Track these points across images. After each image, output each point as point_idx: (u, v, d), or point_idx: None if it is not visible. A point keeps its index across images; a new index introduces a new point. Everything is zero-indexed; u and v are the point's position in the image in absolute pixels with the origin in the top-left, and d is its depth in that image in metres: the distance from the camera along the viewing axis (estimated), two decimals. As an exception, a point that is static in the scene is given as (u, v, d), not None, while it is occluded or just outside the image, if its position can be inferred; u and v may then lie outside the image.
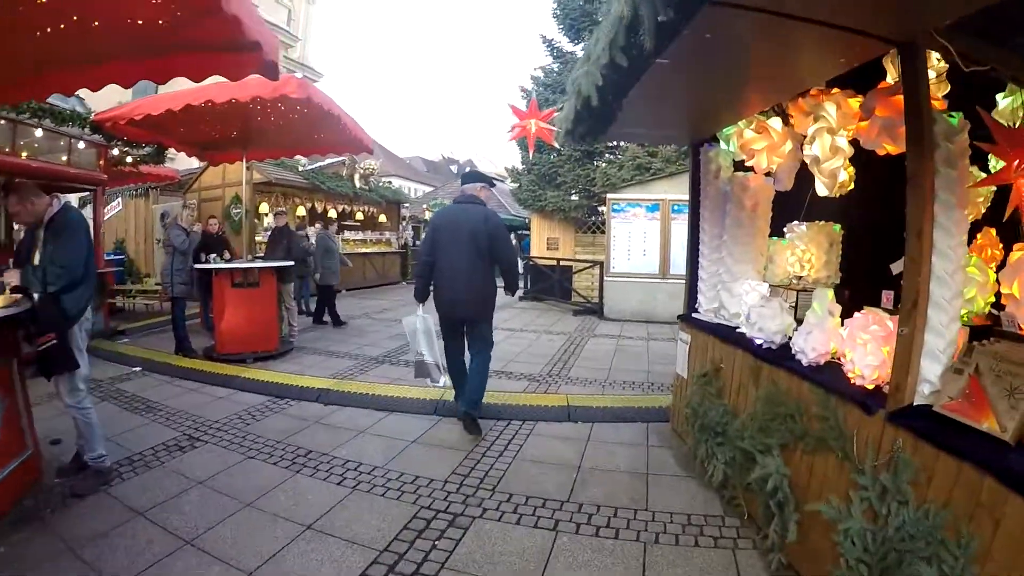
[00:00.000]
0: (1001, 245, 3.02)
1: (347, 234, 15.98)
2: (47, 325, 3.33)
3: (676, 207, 10.70)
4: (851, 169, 3.30)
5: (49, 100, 6.89)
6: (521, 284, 11.88)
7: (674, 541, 3.08)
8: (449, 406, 5.22)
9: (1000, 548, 1.70)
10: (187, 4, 2.95)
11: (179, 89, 5.86)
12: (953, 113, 2.36)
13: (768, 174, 3.87)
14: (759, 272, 4.01)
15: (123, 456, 4.05)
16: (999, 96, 2.83)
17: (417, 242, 20.29)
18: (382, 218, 18.55)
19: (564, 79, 12.96)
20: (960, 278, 2.24)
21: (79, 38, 3.43)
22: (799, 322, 3.17)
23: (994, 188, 3.04)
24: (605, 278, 11.49)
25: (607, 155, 14.50)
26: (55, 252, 3.42)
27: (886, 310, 2.76)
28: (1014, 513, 1.67)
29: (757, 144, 3.61)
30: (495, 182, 6.18)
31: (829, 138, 3.04)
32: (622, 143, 13.54)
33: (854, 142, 2.99)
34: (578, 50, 14.28)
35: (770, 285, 3.71)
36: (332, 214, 15.21)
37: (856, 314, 2.69)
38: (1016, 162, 2.25)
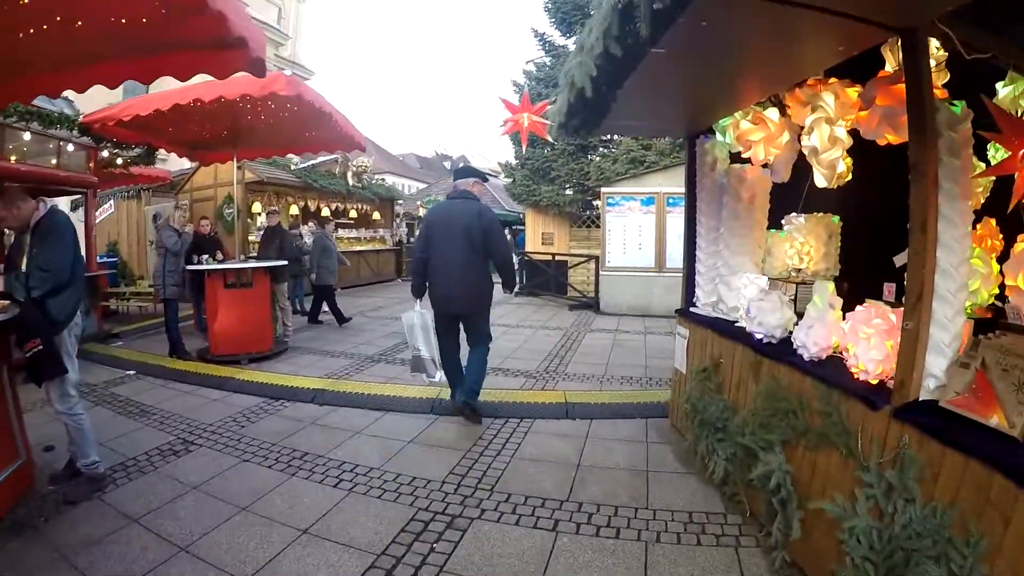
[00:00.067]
0: (1001, 235, 2.99)
1: (341, 232, 15.87)
2: (33, 330, 3.27)
3: (671, 200, 10.66)
4: (849, 160, 3.26)
5: (36, 103, 6.80)
6: (516, 280, 11.84)
7: (676, 540, 3.04)
8: (446, 405, 5.18)
9: (1011, 547, 1.66)
10: (172, 2, 2.89)
11: (168, 89, 5.81)
12: (955, 102, 2.31)
13: (765, 165, 3.82)
14: (757, 265, 3.97)
15: (117, 461, 4.00)
16: (999, 85, 2.78)
17: (411, 239, 20.23)
18: (376, 215, 18.46)
19: (556, 73, 12.92)
20: (965, 270, 2.19)
21: (63, 39, 3.38)
22: (799, 315, 3.13)
23: (994, 178, 3.00)
24: (601, 272, 11.45)
25: (601, 149, 14.47)
26: (39, 256, 3.36)
27: (888, 303, 2.72)
28: (1025, 511, 1.63)
29: (754, 135, 3.57)
30: (488, 177, 6.13)
31: (828, 128, 2.99)
32: (616, 137, 13.51)
33: (852, 132, 2.95)
34: (570, 44, 14.23)
35: (769, 278, 3.67)
36: (325, 212, 15.12)
37: (858, 307, 2.65)
38: (1022, 152, 2.21)
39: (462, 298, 4.83)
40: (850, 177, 3.34)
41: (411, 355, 5.08)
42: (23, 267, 3.40)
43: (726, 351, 3.70)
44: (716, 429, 3.49)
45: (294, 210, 14.35)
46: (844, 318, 2.77)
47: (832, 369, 2.68)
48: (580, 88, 2.68)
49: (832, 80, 3.03)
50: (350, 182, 16.15)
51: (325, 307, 9.90)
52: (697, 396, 3.84)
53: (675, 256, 10.39)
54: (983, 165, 2.99)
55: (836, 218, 3.67)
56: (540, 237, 15.01)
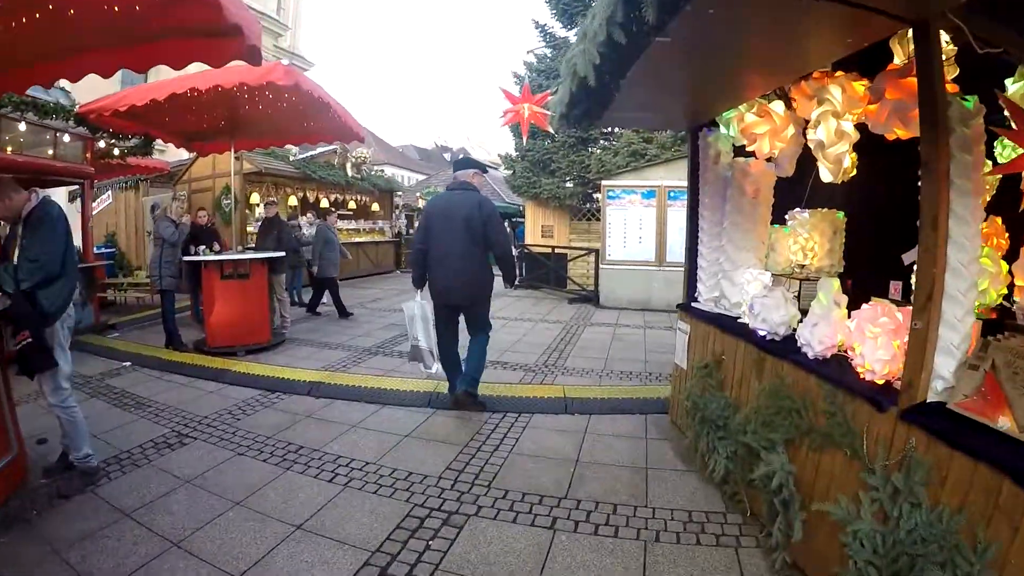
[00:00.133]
0: (1008, 234, 2.93)
1: (340, 223, 15.77)
2: (22, 323, 3.22)
3: (672, 194, 10.60)
4: (854, 155, 3.20)
5: (32, 93, 6.74)
6: (517, 273, 11.78)
7: (675, 539, 3.00)
8: (443, 399, 5.15)
9: (1019, 555, 1.62)
10: (164, -12, 2.83)
11: (165, 78, 5.74)
12: (967, 96, 2.25)
13: (769, 159, 3.76)
14: (761, 260, 3.91)
15: (110, 455, 3.96)
16: (1008, 81, 2.72)
17: (411, 231, 20.17)
18: (375, 207, 18.37)
19: (557, 65, 12.82)
20: (975, 269, 2.14)
21: (55, 28, 3.33)
22: (803, 312, 3.08)
23: (999, 175, 2.94)
24: (601, 266, 11.39)
25: (602, 141, 14.36)
26: (30, 247, 3.31)
27: (894, 301, 2.67)
28: (1036, 518, 1.58)
29: (759, 128, 3.50)
30: (488, 169, 6.09)
31: (834, 122, 2.92)
32: (617, 129, 13.43)
33: (858, 127, 2.89)
34: (571, 36, 14.10)
35: (772, 274, 3.61)
36: (324, 203, 15.05)
37: (864, 305, 2.60)
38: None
39: (461, 289, 4.83)
40: (855, 172, 3.28)
41: (410, 344, 5.11)
42: (14, 259, 3.35)
43: (728, 347, 3.65)
44: (717, 427, 3.44)
45: (293, 201, 14.28)
46: (849, 316, 2.72)
47: (837, 368, 2.63)
48: (583, 77, 2.61)
49: (839, 73, 2.96)
50: (349, 173, 16.05)
51: (325, 298, 9.84)
52: (698, 393, 3.79)
53: (675, 250, 10.37)
54: (990, 163, 2.93)
55: (841, 214, 3.61)
56: (540, 230, 14.93)
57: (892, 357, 2.36)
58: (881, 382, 2.38)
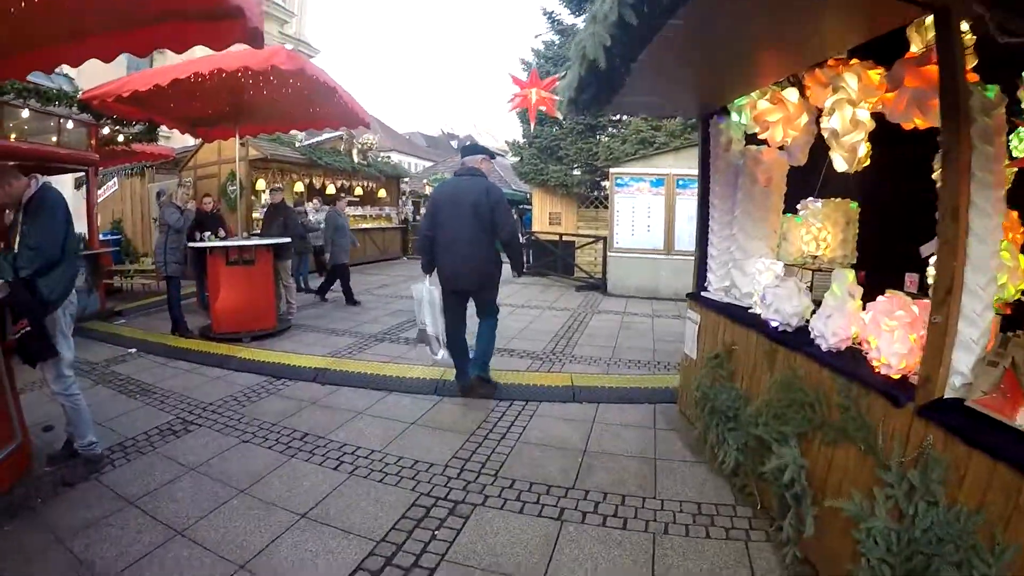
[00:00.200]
0: (1023, 228, 2.85)
1: (347, 209, 15.74)
2: (21, 311, 3.19)
3: (681, 182, 10.49)
4: (868, 144, 3.12)
5: (34, 80, 6.69)
6: (524, 260, 11.72)
7: (684, 532, 2.96)
8: (450, 386, 5.12)
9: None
10: (164, -30, 2.78)
11: (169, 64, 5.70)
12: (988, 86, 2.17)
13: (781, 148, 3.69)
14: (772, 250, 3.85)
15: (115, 442, 3.95)
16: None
17: (417, 217, 20.11)
18: (381, 193, 18.27)
19: (565, 52, 12.69)
20: (995, 263, 2.07)
21: (55, 11, 3.28)
22: (815, 303, 3.02)
23: (1016, 168, 2.86)
24: (608, 254, 11.31)
25: (610, 129, 14.26)
26: (29, 233, 3.27)
27: (909, 294, 2.61)
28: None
29: (772, 116, 3.43)
30: (496, 155, 6.04)
31: (850, 110, 2.85)
32: (625, 117, 13.30)
33: (873, 116, 2.81)
34: (579, 22, 13.95)
35: (784, 264, 3.55)
36: (331, 190, 14.98)
37: (879, 298, 2.53)
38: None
39: (469, 275, 4.83)
40: (868, 163, 3.20)
41: (418, 328, 5.14)
42: (15, 246, 3.31)
43: (739, 338, 3.59)
44: (727, 418, 3.39)
45: (299, 187, 14.21)
46: (863, 308, 2.65)
47: (851, 361, 2.57)
48: (592, 60, 2.54)
49: (854, 61, 2.88)
50: (355, 160, 15.96)
51: (335, 285, 9.78)
52: (708, 383, 3.74)
53: (684, 238, 10.29)
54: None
55: (854, 204, 3.54)
56: (547, 217, 14.86)
57: (909, 351, 2.29)
58: (897, 377, 2.32)
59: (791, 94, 3.40)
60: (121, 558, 2.68)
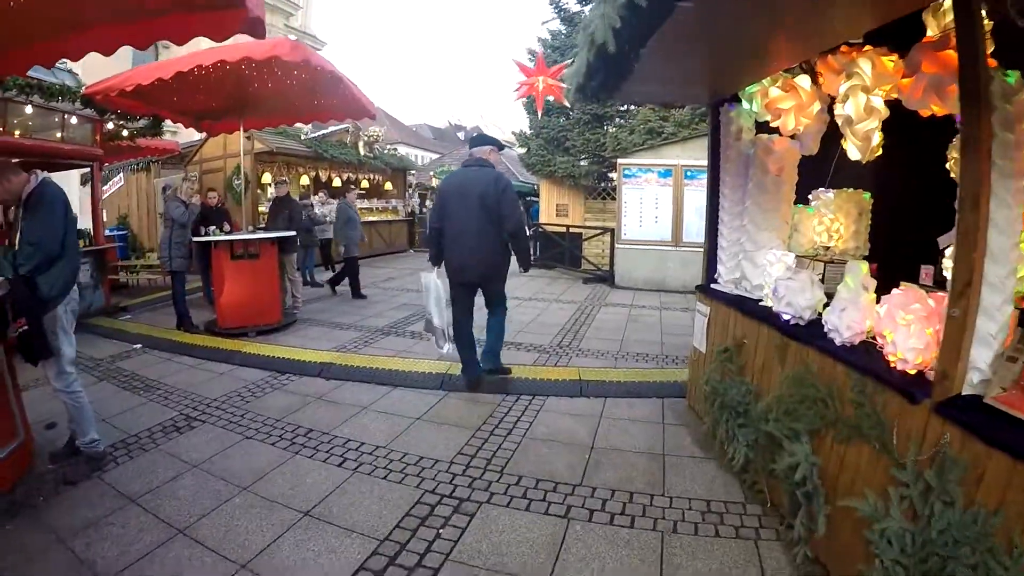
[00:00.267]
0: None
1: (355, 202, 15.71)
2: (20, 309, 3.15)
3: (689, 173, 10.38)
4: (881, 133, 3.03)
5: (37, 75, 6.66)
6: (531, 254, 11.67)
7: (693, 530, 2.90)
8: (456, 380, 5.07)
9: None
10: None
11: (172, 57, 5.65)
12: (1009, 71, 2.08)
13: (792, 136, 3.60)
14: (784, 241, 3.76)
15: (118, 439, 3.92)
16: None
17: (424, 210, 20.05)
18: (388, 186, 18.20)
19: (572, 41, 12.57)
20: (1016, 255, 1.97)
21: (54, 4, 3.21)
22: (828, 296, 2.94)
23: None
24: (616, 245, 11.21)
25: (617, 119, 14.17)
26: (29, 229, 3.23)
27: (924, 286, 2.52)
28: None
29: (784, 103, 3.34)
30: (504, 146, 5.99)
31: (864, 97, 2.77)
32: (632, 107, 13.19)
33: (887, 104, 2.73)
34: (586, 11, 13.82)
35: (795, 255, 3.47)
36: (337, 182, 14.93)
37: (894, 291, 2.45)
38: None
39: (477, 267, 4.80)
40: (880, 152, 3.11)
41: (425, 318, 5.15)
42: (16, 243, 3.28)
43: (750, 331, 3.51)
44: (737, 414, 3.32)
45: (305, 180, 14.17)
46: (877, 301, 2.57)
47: (865, 356, 2.49)
48: (601, 43, 2.46)
49: (867, 47, 2.79)
50: (361, 152, 15.88)
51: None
52: (718, 378, 3.67)
53: (692, 230, 10.22)
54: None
55: (867, 194, 3.45)
56: (555, 209, 14.79)
57: (925, 346, 2.21)
58: (913, 372, 2.24)
59: (804, 81, 3.32)
60: (122, 557, 2.64)
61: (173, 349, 6.30)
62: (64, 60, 5.33)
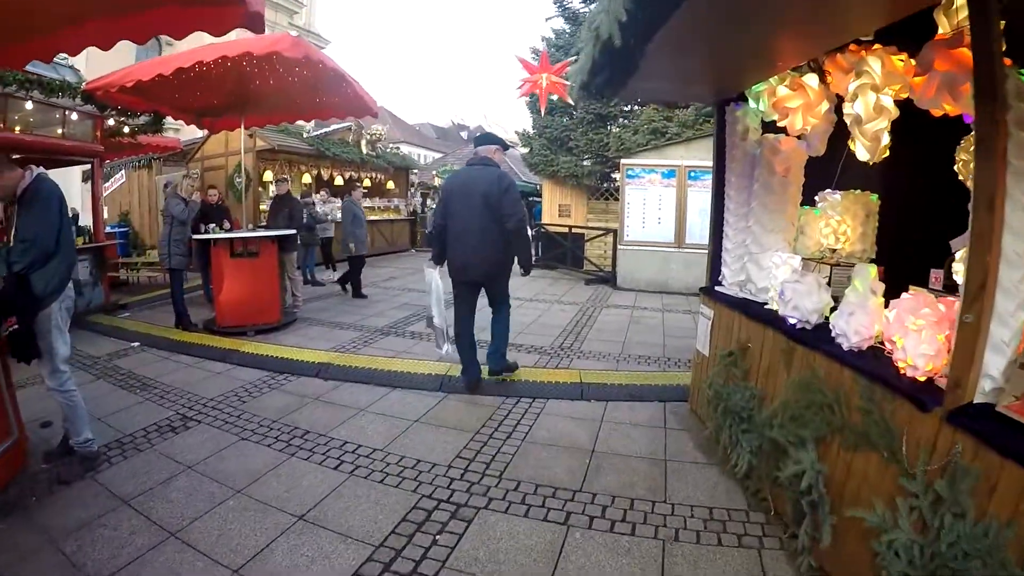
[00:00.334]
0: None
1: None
2: (11, 309, 3.10)
3: (693, 174, 10.31)
4: (889, 133, 2.97)
5: (37, 71, 6.61)
6: (532, 255, 11.61)
7: (695, 539, 2.84)
8: (455, 382, 5.02)
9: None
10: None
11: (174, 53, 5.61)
12: (1023, 70, 2.02)
13: (799, 137, 3.54)
14: (790, 243, 3.70)
15: (112, 438, 3.88)
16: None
17: (426, 209, 20.00)
18: (390, 185, 18.14)
19: (575, 40, 12.51)
20: (1030, 260, 1.92)
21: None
22: (834, 300, 2.88)
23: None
24: (619, 246, 11.15)
25: (621, 119, 14.09)
26: (23, 226, 3.18)
27: (934, 291, 2.46)
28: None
29: (791, 102, 3.28)
30: (509, 146, 5.95)
31: (873, 96, 2.71)
32: (636, 107, 13.12)
33: (898, 103, 2.67)
34: (590, 8, 13.76)
35: (802, 258, 3.40)
36: (339, 181, 14.89)
37: (903, 295, 2.38)
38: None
39: (479, 266, 4.79)
40: (887, 153, 3.05)
41: (427, 315, 5.17)
42: (10, 241, 3.23)
43: (755, 335, 3.45)
44: (741, 419, 3.26)
45: (307, 179, 14.13)
46: (887, 306, 2.51)
47: (873, 361, 2.43)
48: (607, 38, 2.40)
49: (877, 46, 2.73)
50: (364, 151, 15.83)
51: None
52: (721, 382, 3.61)
53: (695, 231, 10.15)
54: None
55: (875, 196, 3.39)
56: (557, 209, 14.71)
57: (936, 352, 2.15)
58: (923, 379, 2.18)
59: (811, 80, 3.25)
60: (112, 561, 2.60)
61: (171, 347, 6.26)
62: (64, 56, 5.29)
